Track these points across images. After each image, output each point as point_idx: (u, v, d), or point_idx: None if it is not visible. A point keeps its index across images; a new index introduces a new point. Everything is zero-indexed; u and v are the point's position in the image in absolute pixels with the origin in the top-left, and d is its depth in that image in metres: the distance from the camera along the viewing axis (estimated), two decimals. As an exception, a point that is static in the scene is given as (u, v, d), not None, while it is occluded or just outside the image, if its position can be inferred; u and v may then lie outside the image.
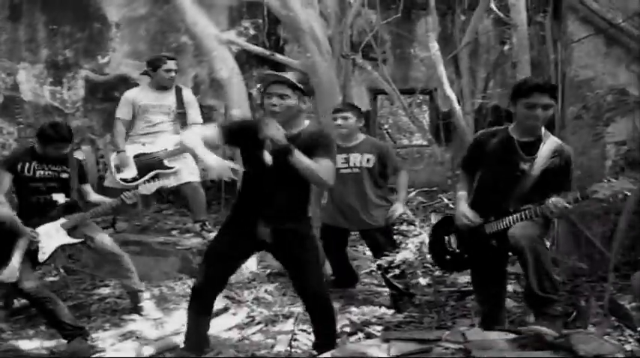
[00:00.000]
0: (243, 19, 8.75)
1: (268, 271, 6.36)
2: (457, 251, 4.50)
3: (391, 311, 5.31)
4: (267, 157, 3.78)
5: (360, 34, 8.12)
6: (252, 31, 8.61)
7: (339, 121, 5.54)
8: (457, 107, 6.61)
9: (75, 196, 5.39)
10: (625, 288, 4.90)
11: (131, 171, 6.34)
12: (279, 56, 7.34)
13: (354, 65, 7.81)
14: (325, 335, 4.21)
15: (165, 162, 6.32)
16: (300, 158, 3.76)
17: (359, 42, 7.47)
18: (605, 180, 3.94)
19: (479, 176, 4.45)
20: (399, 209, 5.57)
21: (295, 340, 4.60)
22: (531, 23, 6.78)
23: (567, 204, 3.89)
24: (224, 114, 7.04)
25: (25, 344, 4.84)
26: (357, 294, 5.85)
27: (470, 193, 4.47)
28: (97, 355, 4.49)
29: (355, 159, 5.53)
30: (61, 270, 5.83)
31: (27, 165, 5.22)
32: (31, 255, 5.03)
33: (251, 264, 6.43)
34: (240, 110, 6.75)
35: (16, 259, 4.74)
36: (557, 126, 5.64)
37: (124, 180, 6.31)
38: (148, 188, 5.35)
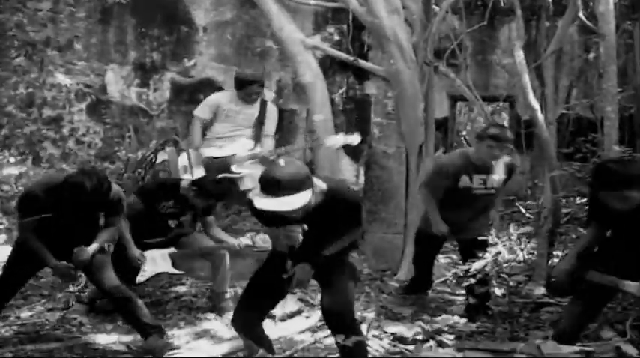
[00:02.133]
0: (328, 24, 8.77)
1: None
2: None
3: (464, 320, 5.23)
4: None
5: (442, 40, 8.07)
6: (336, 37, 8.62)
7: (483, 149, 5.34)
8: (540, 116, 6.46)
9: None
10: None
11: (199, 172, 6.39)
12: (362, 62, 7.34)
13: (437, 72, 7.75)
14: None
15: (233, 168, 6.38)
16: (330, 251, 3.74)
17: (440, 48, 7.40)
18: None
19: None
20: (496, 217, 5.58)
21: (367, 345, 4.58)
22: (618, 31, 6.59)
23: None
24: (306, 118, 7.08)
25: (103, 338, 4.97)
26: (430, 302, 5.80)
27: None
28: (173, 352, 4.55)
29: (493, 181, 5.46)
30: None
31: (161, 203, 5.47)
32: (128, 267, 5.26)
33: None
34: (322, 115, 6.79)
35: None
36: (638, 135, 5.49)
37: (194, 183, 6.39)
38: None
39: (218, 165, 6.41)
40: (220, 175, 6.29)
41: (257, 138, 6.56)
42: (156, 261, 5.36)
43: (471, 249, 5.37)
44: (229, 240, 5.61)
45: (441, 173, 5.40)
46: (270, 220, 3.73)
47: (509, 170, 5.56)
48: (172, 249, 5.43)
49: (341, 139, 6.02)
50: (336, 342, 3.71)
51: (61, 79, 8.30)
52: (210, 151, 6.51)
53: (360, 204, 3.90)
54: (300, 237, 3.66)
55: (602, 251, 4.02)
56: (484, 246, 5.43)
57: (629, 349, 3.23)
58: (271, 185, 3.36)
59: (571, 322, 4.25)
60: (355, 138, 5.99)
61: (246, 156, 6.39)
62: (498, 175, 5.44)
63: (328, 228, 3.73)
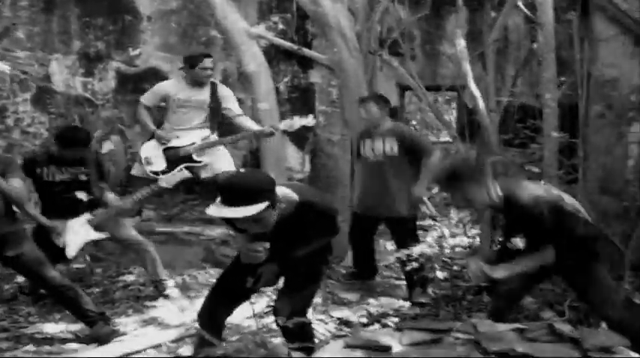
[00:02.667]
0: (272, 13, 8.78)
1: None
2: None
3: (408, 304, 5.37)
4: None
5: (390, 30, 8.16)
6: (281, 26, 8.64)
7: (362, 113, 5.63)
8: (481, 104, 6.61)
9: (97, 192, 5.54)
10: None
11: (161, 163, 6.40)
12: (306, 51, 7.39)
13: (382, 61, 7.84)
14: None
15: (194, 156, 6.39)
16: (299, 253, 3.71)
17: (388, 38, 7.49)
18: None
19: None
20: (416, 191, 5.65)
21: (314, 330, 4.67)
22: (559, 21, 6.76)
23: None
24: (252, 107, 7.10)
25: (51, 328, 4.98)
26: (376, 287, 5.92)
27: None
28: (119, 339, 4.59)
29: (379, 146, 5.61)
30: (87, 258, 5.94)
31: (45, 169, 5.40)
32: (55, 250, 5.24)
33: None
34: (267, 104, 6.83)
35: None
36: (580, 125, 5.65)
37: (154, 173, 6.36)
38: (167, 180, 5.48)
39: (177, 155, 6.42)
40: (182, 165, 6.32)
41: (212, 124, 6.57)
42: (77, 231, 5.31)
43: (400, 233, 5.50)
44: (118, 203, 5.54)
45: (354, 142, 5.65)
46: (238, 228, 3.74)
47: (400, 137, 5.67)
48: (88, 216, 5.39)
49: (297, 122, 6.08)
50: (277, 324, 3.78)
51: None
52: (172, 137, 6.50)
53: (334, 215, 3.83)
54: (263, 257, 3.65)
55: None
56: (412, 230, 5.58)
57: (563, 327, 3.37)
58: (226, 192, 3.36)
59: (502, 301, 4.45)
60: (310, 120, 6.07)
61: (205, 144, 6.39)
62: (385, 142, 5.59)
63: (299, 238, 3.72)
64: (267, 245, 3.60)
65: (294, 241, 3.72)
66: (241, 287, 3.84)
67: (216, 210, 3.35)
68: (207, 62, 6.49)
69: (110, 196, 5.56)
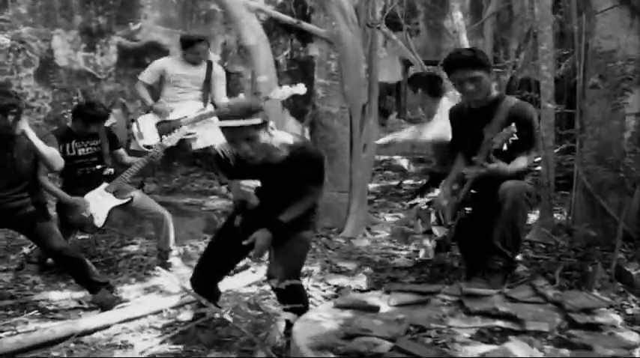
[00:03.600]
0: (271, -14, 8.83)
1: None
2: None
3: (405, 273, 5.46)
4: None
5: (391, 4, 8.17)
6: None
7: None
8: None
9: (109, 162, 5.76)
10: (635, 257, 5.03)
11: (153, 137, 6.52)
12: (305, 24, 7.44)
13: (386, 37, 7.88)
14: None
15: (186, 128, 6.46)
16: (287, 217, 3.85)
17: (387, 12, 7.51)
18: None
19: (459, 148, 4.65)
20: None
21: (309, 296, 4.78)
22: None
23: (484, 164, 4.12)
24: (251, 80, 7.16)
25: (56, 295, 5.11)
26: (375, 256, 6.01)
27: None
28: (122, 305, 4.71)
29: None
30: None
31: (67, 145, 5.62)
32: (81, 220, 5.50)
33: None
34: (266, 77, 6.89)
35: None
36: (578, 97, 5.70)
37: (148, 147, 6.49)
38: (171, 139, 5.63)
39: (170, 128, 6.49)
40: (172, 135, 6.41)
41: (206, 99, 6.68)
42: (99, 201, 5.51)
43: None
44: (137, 159, 5.80)
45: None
46: (231, 172, 3.95)
47: None
48: (105, 184, 5.59)
49: (287, 91, 6.14)
50: (271, 287, 3.91)
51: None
52: (170, 110, 6.60)
53: (322, 164, 3.97)
54: (254, 196, 3.76)
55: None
56: None
57: (547, 290, 3.48)
58: (225, 109, 3.74)
59: (469, 264, 4.62)
60: (301, 89, 6.12)
61: (197, 117, 6.50)
62: None
63: (289, 183, 3.86)
64: (258, 183, 3.70)
65: (285, 184, 3.86)
66: (232, 248, 4.02)
67: (217, 123, 3.69)
68: (200, 47, 6.64)
69: (129, 158, 5.86)
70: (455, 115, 4.67)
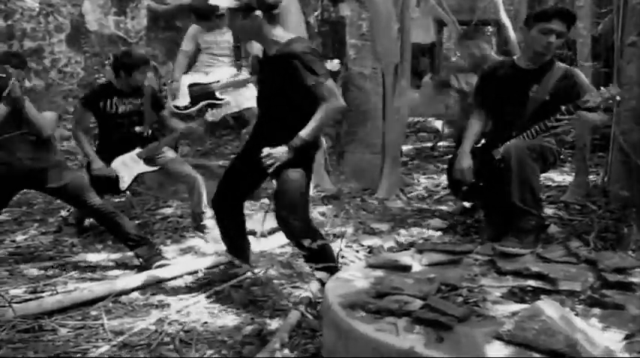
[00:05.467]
0: (302, -55, 8.72)
1: (322, 194, 6.59)
2: (472, 180, 4.58)
3: (438, 234, 5.47)
4: None
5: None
6: (311, -41, 8.59)
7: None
8: (512, 35, 6.59)
9: (149, 123, 5.80)
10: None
11: (184, 99, 6.55)
12: (336, -16, 7.39)
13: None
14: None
15: (217, 94, 6.50)
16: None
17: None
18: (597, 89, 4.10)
19: (490, 108, 4.66)
20: None
21: (343, 256, 4.81)
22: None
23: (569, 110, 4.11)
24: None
25: (94, 257, 5.22)
26: (408, 218, 6.02)
27: (482, 130, 4.70)
28: (163, 261, 4.79)
29: None
30: (127, 192, 6.13)
31: (108, 101, 5.62)
32: (106, 180, 5.55)
33: (307, 188, 6.67)
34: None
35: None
36: (615, 56, 5.60)
37: (177, 107, 6.53)
38: (215, 114, 5.63)
39: (202, 92, 6.53)
40: (204, 102, 6.44)
41: (238, 64, 6.66)
42: (128, 165, 5.58)
43: None
44: (180, 126, 5.84)
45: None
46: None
47: None
48: (138, 150, 5.64)
49: None
50: (296, 245, 4.01)
51: (29, 2, 8.29)
52: (196, 78, 6.61)
53: (315, 56, 3.82)
54: None
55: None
56: None
57: (580, 249, 3.47)
58: None
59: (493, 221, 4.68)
60: (335, 64, 6.09)
61: (228, 83, 6.50)
62: None
63: (290, 82, 3.78)
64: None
65: (286, 88, 3.84)
66: (250, 168, 4.05)
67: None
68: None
69: (175, 121, 5.86)
70: (493, 74, 4.65)
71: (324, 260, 3.83)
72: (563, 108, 4.15)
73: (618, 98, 4.17)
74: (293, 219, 3.89)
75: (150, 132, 5.78)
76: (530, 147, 4.16)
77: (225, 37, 6.55)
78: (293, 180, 3.88)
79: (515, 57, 4.54)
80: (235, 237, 4.38)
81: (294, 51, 3.74)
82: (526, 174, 4.06)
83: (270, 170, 3.85)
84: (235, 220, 4.33)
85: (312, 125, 3.80)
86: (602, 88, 4.10)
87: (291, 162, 3.85)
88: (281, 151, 3.81)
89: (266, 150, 3.82)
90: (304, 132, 3.80)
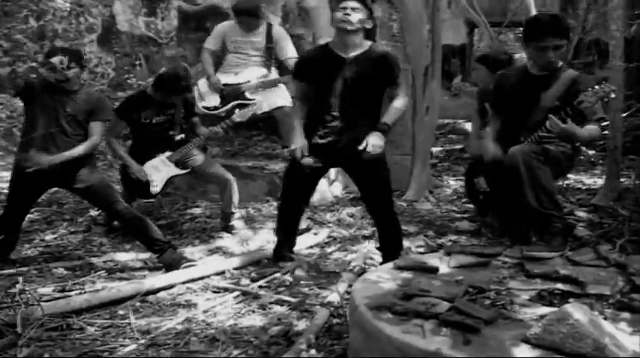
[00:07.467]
0: (331, -53, 8.70)
1: (352, 196, 6.58)
2: (487, 189, 4.82)
3: (467, 236, 5.43)
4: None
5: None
6: (341, -39, 8.54)
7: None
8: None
9: (178, 129, 5.84)
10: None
11: (214, 100, 6.56)
12: (366, -15, 7.34)
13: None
14: (391, 252, 4.44)
15: (247, 94, 6.49)
16: (390, 119, 4.29)
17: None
18: (590, 89, 4.07)
19: (503, 113, 4.71)
20: None
21: (371, 258, 4.80)
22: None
23: (557, 123, 4.06)
24: (312, 43, 7.13)
25: (122, 256, 5.26)
26: (437, 220, 5.99)
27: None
28: (189, 263, 4.81)
29: None
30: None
31: (143, 113, 5.69)
32: (138, 184, 5.63)
33: (335, 189, 6.66)
34: (327, 39, 6.85)
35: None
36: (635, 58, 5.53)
37: (207, 108, 6.54)
38: (242, 115, 5.66)
39: (232, 92, 6.54)
40: (234, 102, 6.45)
41: (268, 65, 6.66)
42: (159, 168, 5.62)
43: None
44: (205, 131, 5.85)
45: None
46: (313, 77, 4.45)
47: None
48: (168, 153, 5.69)
49: None
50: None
51: (60, 2, 8.37)
52: (226, 79, 6.62)
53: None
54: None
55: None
56: None
57: (611, 253, 3.42)
58: None
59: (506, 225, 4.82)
60: None
61: (259, 83, 6.50)
62: None
63: (382, 78, 4.32)
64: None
65: (364, 85, 4.34)
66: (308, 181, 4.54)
67: None
68: (239, 18, 6.56)
69: (202, 128, 5.89)
70: (507, 79, 4.69)
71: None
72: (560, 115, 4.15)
73: (613, 95, 4.12)
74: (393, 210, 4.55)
75: (183, 135, 5.82)
76: (535, 151, 4.20)
77: (257, 38, 6.55)
78: (386, 170, 4.39)
79: (528, 63, 4.55)
80: (291, 233, 4.74)
81: (388, 52, 4.39)
82: (537, 177, 4.13)
83: (372, 154, 4.16)
84: (298, 216, 4.72)
85: (392, 112, 4.31)
86: (596, 86, 4.08)
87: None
88: (377, 137, 4.19)
89: (365, 140, 4.15)
90: (388, 119, 4.29)
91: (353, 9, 4.19)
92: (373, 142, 4.16)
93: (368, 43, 4.36)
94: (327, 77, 4.31)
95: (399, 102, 4.34)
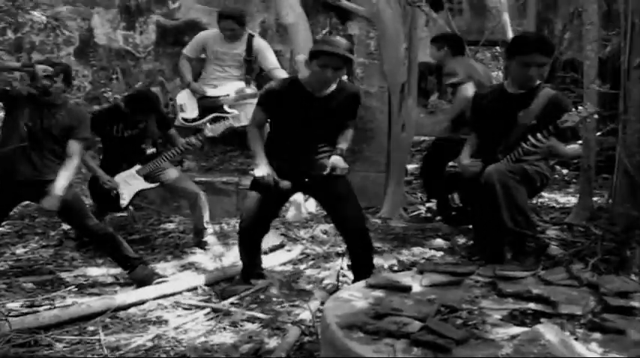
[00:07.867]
0: (310, -36, 8.71)
1: (325, 213, 6.56)
2: (460, 205, 4.87)
3: (440, 254, 5.43)
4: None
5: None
6: (319, -23, 8.57)
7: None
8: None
9: (150, 142, 5.83)
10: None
11: (193, 112, 6.54)
12: (345, 2, 7.36)
13: (427, 17, 7.78)
14: (363, 269, 4.43)
15: (225, 107, 6.48)
16: (346, 145, 4.54)
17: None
18: (574, 109, 4.15)
19: (480, 131, 4.78)
20: None
21: (344, 275, 4.78)
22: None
23: (541, 140, 4.16)
24: (290, 59, 7.14)
25: (93, 271, 5.20)
26: (410, 237, 5.98)
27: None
28: (160, 280, 4.77)
29: None
30: (130, 207, 6.11)
31: (114, 127, 5.69)
32: (108, 198, 5.58)
33: (310, 206, 6.64)
34: (305, 55, 6.84)
35: None
36: (622, 78, 5.57)
37: (185, 120, 6.54)
38: (214, 129, 5.63)
39: (210, 105, 6.53)
40: (212, 115, 6.43)
41: (248, 79, 6.66)
42: (128, 182, 5.60)
43: None
44: (182, 141, 5.78)
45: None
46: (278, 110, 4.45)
47: None
48: (138, 167, 5.65)
49: None
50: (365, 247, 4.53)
51: (37, 15, 8.32)
52: (206, 91, 6.60)
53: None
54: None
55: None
56: None
57: (583, 272, 3.42)
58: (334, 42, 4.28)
59: (483, 244, 4.74)
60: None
61: (238, 97, 6.49)
62: None
63: (335, 117, 4.47)
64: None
65: (330, 119, 4.49)
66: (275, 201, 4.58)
67: (330, 49, 4.20)
68: (225, 24, 6.53)
69: (180, 139, 5.83)
70: (483, 98, 4.77)
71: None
72: (541, 133, 4.21)
73: (596, 116, 4.26)
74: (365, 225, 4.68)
75: (154, 149, 5.79)
76: (511, 170, 4.23)
77: (237, 50, 6.55)
78: (351, 188, 4.51)
79: (505, 82, 4.60)
80: (255, 254, 4.69)
81: (358, 92, 4.61)
82: (512, 196, 4.16)
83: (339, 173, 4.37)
84: (260, 238, 4.67)
85: (348, 138, 4.55)
86: (579, 107, 4.14)
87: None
88: (339, 160, 4.38)
89: (330, 163, 4.35)
90: (344, 145, 4.50)
91: (335, 69, 4.20)
92: (338, 164, 4.34)
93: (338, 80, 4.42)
94: (295, 111, 4.35)
95: (352, 130, 4.61)
